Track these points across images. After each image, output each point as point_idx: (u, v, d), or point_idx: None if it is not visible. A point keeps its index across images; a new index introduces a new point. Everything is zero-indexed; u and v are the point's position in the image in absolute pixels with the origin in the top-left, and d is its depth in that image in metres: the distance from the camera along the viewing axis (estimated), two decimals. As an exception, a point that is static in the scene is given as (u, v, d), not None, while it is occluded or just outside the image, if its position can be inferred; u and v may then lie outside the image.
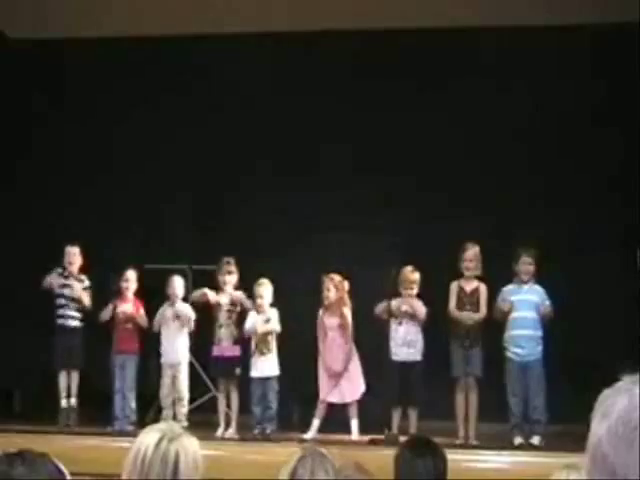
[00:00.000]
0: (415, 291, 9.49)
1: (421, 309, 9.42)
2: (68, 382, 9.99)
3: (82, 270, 10.16)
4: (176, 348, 9.90)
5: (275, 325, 9.58)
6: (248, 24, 11.02)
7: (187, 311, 9.95)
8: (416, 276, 9.49)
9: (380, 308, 9.40)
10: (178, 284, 10.04)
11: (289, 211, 11.24)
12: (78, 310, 10.06)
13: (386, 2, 10.78)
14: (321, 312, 9.61)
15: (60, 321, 10.05)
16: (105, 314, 9.96)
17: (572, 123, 10.82)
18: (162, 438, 2.85)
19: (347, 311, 9.53)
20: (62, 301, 10.07)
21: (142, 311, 10.03)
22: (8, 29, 11.80)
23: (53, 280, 10.07)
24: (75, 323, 10.07)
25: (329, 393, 9.47)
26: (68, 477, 2.57)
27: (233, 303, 9.76)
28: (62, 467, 2.57)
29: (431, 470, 4.00)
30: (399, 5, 10.72)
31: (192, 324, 9.91)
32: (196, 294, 9.96)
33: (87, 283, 10.15)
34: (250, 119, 11.38)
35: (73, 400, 9.97)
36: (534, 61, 10.90)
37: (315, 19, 10.93)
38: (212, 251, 10.17)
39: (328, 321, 9.58)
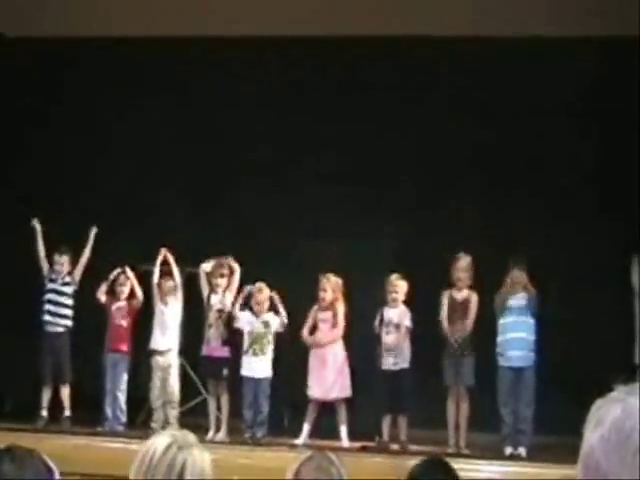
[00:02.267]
0: (400, 296, 9.50)
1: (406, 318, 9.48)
2: (54, 395, 9.95)
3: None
4: (167, 339, 9.90)
5: (275, 326, 9.59)
6: (247, 27, 11.02)
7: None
8: (400, 282, 9.50)
9: (376, 322, 9.44)
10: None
11: (285, 216, 11.25)
12: (65, 314, 10.07)
13: (378, 10, 10.77)
14: (315, 308, 9.63)
15: (48, 327, 10.05)
16: (100, 293, 10.02)
17: (575, 139, 10.85)
18: (172, 444, 2.81)
19: (340, 308, 9.55)
20: (48, 306, 10.08)
21: (139, 297, 10.07)
22: (7, 29, 11.82)
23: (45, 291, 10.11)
24: (61, 328, 10.05)
25: (317, 389, 9.46)
26: (57, 474, 2.56)
27: (222, 302, 9.78)
28: (51, 464, 2.56)
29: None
30: (396, 12, 10.74)
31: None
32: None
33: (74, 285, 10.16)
34: (251, 122, 11.38)
35: (67, 412, 9.94)
36: (539, 73, 10.91)
37: (313, 24, 10.95)
38: (209, 253, 10.15)
39: (321, 315, 9.60)
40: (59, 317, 10.07)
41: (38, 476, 2.50)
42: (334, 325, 9.55)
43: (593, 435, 1.65)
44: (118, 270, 10.10)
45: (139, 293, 10.07)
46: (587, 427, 1.67)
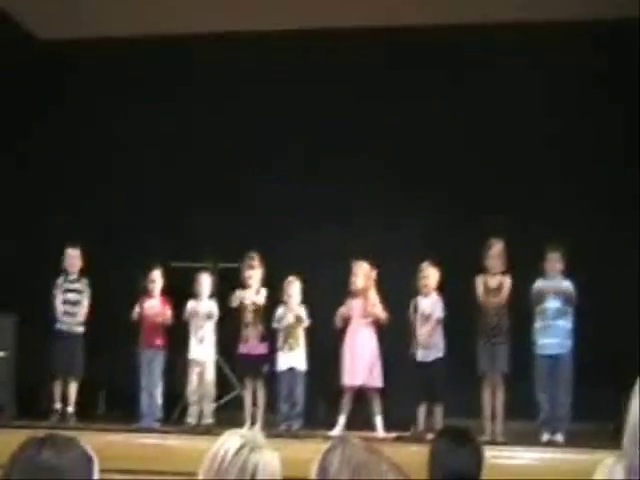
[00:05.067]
0: (432, 284, 9.46)
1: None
2: (64, 390, 9.95)
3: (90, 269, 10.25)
4: (203, 345, 9.90)
5: (304, 321, 9.60)
6: (250, 22, 11.07)
7: (212, 308, 9.97)
8: (432, 270, 9.46)
9: (409, 312, 9.41)
10: (205, 282, 10.05)
11: (316, 208, 11.26)
12: (79, 315, 10.09)
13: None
14: (348, 299, 9.61)
15: (59, 326, 10.06)
16: (134, 314, 9.98)
17: (605, 125, 10.79)
18: (244, 445, 2.79)
19: (373, 295, 9.52)
20: (61, 302, 10.10)
21: (169, 310, 10.04)
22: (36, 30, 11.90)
23: (57, 287, 10.13)
24: (76, 329, 10.07)
25: (348, 376, 9.43)
26: (96, 462, 2.56)
27: (258, 301, 9.77)
28: (90, 452, 2.57)
29: (469, 459, 3.89)
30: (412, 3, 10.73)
31: (215, 319, 9.97)
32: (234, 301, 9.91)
33: (86, 283, 10.17)
34: (273, 111, 11.39)
35: (70, 408, 9.93)
36: (561, 61, 10.85)
37: (322, 17, 10.98)
38: (238, 247, 10.15)
39: (354, 302, 9.57)
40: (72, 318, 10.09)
41: (78, 463, 2.51)
42: (365, 312, 9.52)
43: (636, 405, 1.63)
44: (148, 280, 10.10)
45: (168, 313, 10.04)
46: (632, 400, 1.65)
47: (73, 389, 9.96)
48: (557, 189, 10.82)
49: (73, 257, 10.16)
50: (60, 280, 10.17)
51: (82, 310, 10.12)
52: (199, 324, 9.92)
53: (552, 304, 9.17)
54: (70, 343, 10.00)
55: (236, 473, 2.76)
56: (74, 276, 10.17)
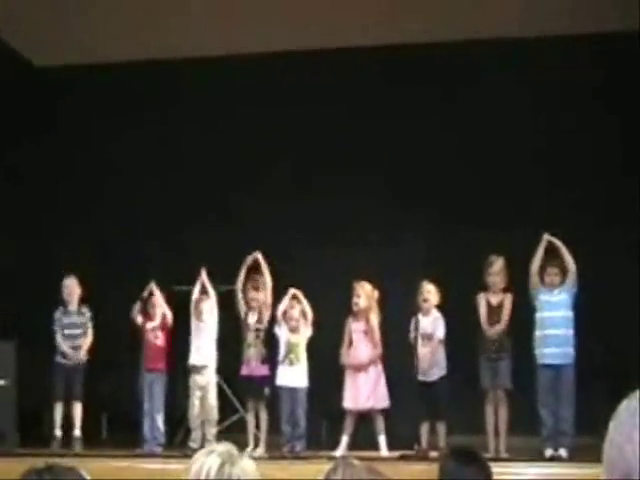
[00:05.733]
0: (432, 301, 9.45)
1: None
2: (67, 414, 9.89)
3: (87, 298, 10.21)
4: (204, 355, 9.86)
5: (307, 332, 9.60)
6: (244, 44, 11.11)
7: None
8: (432, 288, 9.46)
9: (410, 331, 9.41)
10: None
11: (314, 227, 11.27)
12: (81, 350, 10.05)
13: (389, 17, 10.79)
14: (349, 319, 9.59)
15: (59, 359, 10.02)
16: (135, 315, 9.96)
17: (595, 133, 10.81)
18: (225, 461, 2.83)
19: (374, 317, 9.51)
20: (62, 338, 10.06)
21: (168, 313, 10.05)
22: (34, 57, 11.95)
23: (57, 322, 10.08)
24: (78, 363, 10.02)
25: (352, 401, 9.41)
26: None
27: (260, 321, 9.76)
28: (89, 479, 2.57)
29: (477, 477, 3.88)
30: (403, 20, 10.76)
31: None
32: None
33: (88, 315, 10.15)
34: (271, 130, 11.42)
35: (77, 431, 9.87)
36: (548, 72, 10.89)
37: (319, 37, 11.03)
38: (236, 269, 10.13)
39: (354, 326, 9.56)
40: (73, 349, 10.05)
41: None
42: (366, 333, 9.51)
43: (611, 429, 1.65)
44: (148, 291, 10.08)
45: (168, 313, 10.04)
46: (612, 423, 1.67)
47: (77, 412, 9.90)
48: (555, 202, 10.81)
49: (69, 287, 10.14)
50: (58, 314, 10.14)
51: (84, 345, 10.07)
52: (201, 332, 9.90)
53: (552, 312, 9.12)
54: (71, 375, 9.97)
55: None
56: (73, 307, 10.15)
